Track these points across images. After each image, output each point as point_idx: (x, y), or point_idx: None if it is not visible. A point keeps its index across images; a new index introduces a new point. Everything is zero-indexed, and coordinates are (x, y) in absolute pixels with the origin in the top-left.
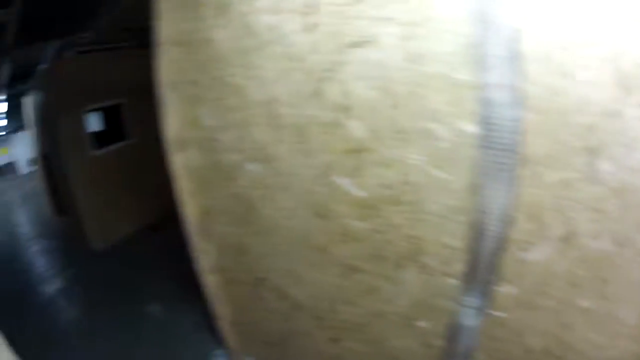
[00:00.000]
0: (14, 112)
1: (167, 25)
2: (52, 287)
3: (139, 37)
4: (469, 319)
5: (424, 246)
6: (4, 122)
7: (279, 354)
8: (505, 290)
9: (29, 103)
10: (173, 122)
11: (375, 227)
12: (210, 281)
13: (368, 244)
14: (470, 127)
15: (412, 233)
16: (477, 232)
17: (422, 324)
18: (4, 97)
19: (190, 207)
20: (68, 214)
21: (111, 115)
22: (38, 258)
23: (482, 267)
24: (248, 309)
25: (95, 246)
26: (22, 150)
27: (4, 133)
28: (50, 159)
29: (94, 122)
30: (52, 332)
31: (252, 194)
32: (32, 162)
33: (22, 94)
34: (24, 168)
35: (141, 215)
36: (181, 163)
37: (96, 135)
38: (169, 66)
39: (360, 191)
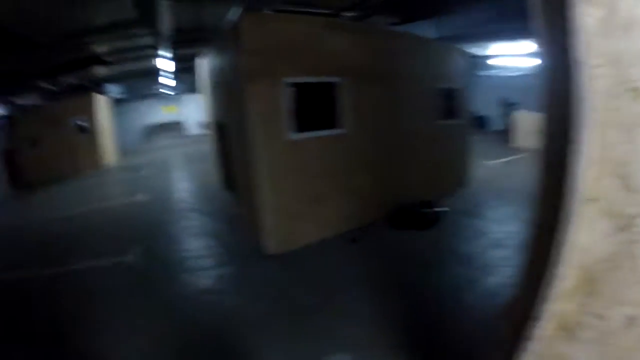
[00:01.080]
0: (185, 73)
1: None
2: (203, 281)
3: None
4: None
5: None
6: (173, 82)
7: None
8: None
9: (202, 65)
10: (590, 165)
11: None
12: None
13: None
14: None
15: None
16: None
17: None
18: (170, 54)
19: (550, 309)
20: (237, 193)
21: (318, 95)
22: (193, 240)
23: None
24: None
25: (269, 249)
26: (192, 111)
27: (172, 92)
28: (223, 128)
29: (294, 99)
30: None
31: None
32: (202, 125)
33: (195, 55)
34: (191, 129)
35: (337, 223)
36: (572, 236)
37: (296, 115)
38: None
39: None
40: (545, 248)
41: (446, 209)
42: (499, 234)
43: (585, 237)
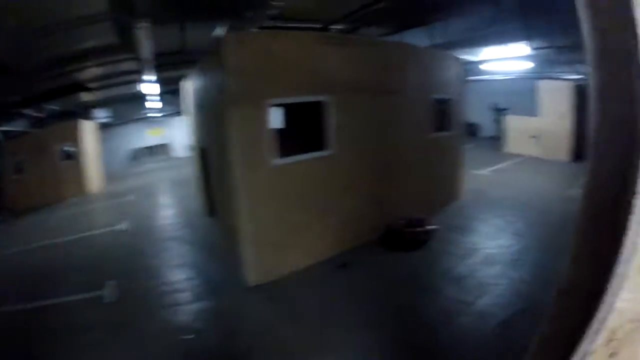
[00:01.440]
0: (172, 96)
1: None
2: (181, 317)
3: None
4: None
5: None
6: (159, 105)
7: None
8: None
9: (186, 87)
10: None
11: None
12: None
13: None
14: None
15: None
16: None
17: None
18: (154, 78)
19: None
20: (219, 220)
21: (305, 115)
22: (172, 271)
23: None
24: None
25: (251, 280)
26: (178, 134)
27: (159, 115)
28: (206, 152)
29: (279, 121)
30: None
31: None
32: (188, 148)
33: (180, 77)
34: (178, 151)
35: (325, 248)
36: (610, 299)
37: (281, 138)
38: None
39: None
40: (576, 312)
41: (437, 226)
42: (490, 250)
43: (624, 300)
